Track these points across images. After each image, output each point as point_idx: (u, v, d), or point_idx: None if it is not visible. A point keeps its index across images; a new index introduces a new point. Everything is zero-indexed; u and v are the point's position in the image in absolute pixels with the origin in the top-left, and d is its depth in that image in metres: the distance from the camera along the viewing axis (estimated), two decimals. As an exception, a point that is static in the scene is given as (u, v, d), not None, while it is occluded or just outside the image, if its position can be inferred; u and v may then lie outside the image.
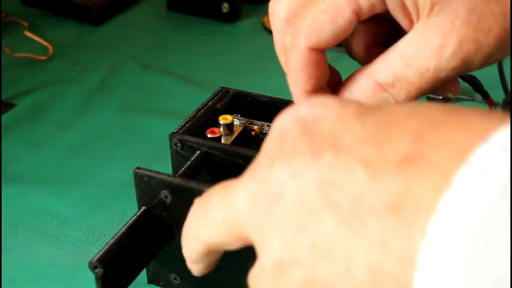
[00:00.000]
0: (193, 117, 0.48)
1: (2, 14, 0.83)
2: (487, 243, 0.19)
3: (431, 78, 0.37)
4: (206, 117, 0.48)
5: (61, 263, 0.50)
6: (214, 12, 0.85)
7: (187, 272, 0.46)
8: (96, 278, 0.40)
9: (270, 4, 0.40)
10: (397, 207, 0.22)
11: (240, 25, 0.85)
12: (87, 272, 0.49)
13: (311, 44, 0.38)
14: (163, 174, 0.42)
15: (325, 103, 0.26)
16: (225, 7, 0.84)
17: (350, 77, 0.39)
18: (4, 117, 0.67)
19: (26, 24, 0.83)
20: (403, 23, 0.38)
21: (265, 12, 0.82)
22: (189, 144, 0.46)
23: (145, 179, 0.42)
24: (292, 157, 0.25)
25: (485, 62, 0.37)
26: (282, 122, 0.27)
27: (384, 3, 0.37)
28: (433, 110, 0.24)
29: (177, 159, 0.47)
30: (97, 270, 0.40)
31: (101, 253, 0.40)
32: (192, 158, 0.45)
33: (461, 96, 0.67)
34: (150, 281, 0.48)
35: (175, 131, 0.47)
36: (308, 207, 0.24)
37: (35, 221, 0.54)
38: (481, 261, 0.19)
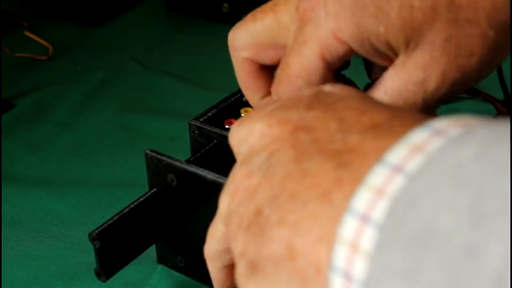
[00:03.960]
0: (217, 106, 0.49)
1: (2, 14, 0.83)
2: (407, 205, 0.21)
3: (420, 110, 0.37)
4: (229, 108, 0.49)
5: (61, 262, 0.50)
6: (215, 12, 0.85)
7: (192, 257, 0.46)
8: (95, 250, 0.41)
9: (230, 35, 0.40)
10: (341, 154, 0.25)
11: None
12: (87, 272, 0.49)
13: None
14: (171, 158, 0.43)
15: (344, 87, 0.30)
16: (225, 7, 0.84)
17: None
18: (4, 117, 0.67)
19: (26, 24, 0.83)
20: (382, 63, 0.37)
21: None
22: (206, 132, 0.47)
23: (155, 161, 0.43)
24: (291, 107, 0.28)
25: (472, 84, 0.37)
26: (309, 89, 0.30)
27: (352, 51, 0.37)
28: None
29: (195, 145, 0.48)
30: (95, 242, 0.41)
31: (102, 227, 0.41)
32: (207, 147, 0.46)
33: (462, 96, 0.67)
34: (159, 260, 0.49)
35: (195, 117, 0.48)
36: (278, 144, 0.27)
37: (35, 221, 0.54)
38: (400, 219, 0.21)
